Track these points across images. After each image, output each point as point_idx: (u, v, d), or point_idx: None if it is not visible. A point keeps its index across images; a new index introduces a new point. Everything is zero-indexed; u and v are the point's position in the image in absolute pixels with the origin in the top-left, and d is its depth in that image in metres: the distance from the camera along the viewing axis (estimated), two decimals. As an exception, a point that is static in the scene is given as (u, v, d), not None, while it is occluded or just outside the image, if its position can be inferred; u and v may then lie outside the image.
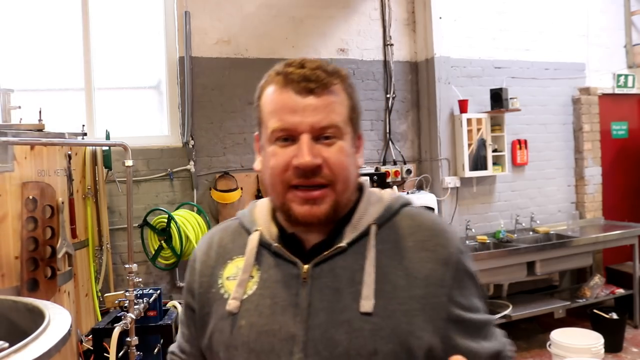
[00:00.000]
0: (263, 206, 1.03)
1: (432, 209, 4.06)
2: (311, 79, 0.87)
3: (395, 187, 4.24)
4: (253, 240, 0.96)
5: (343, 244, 0.89)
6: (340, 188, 0.89)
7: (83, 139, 3.09)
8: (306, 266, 0.89)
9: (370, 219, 0.92)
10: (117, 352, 2.13)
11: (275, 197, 0.91)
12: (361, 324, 0.83)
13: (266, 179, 0.92)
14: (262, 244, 0.95)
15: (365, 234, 0.91)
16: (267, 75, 0.93)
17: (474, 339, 0.89)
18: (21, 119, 2.72)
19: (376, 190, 1.01)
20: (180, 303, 2.81)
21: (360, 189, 1.00)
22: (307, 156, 0.85)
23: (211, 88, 3.97)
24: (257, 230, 0.97)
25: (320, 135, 0.87)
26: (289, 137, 0.87)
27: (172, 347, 1.10)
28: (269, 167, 0.89)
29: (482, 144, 4.44)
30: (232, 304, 0.92)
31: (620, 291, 4.53)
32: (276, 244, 0.93)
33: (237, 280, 0.94)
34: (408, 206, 0.98)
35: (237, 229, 1.03)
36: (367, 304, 0.84)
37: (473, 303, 0.91)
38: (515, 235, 4.48)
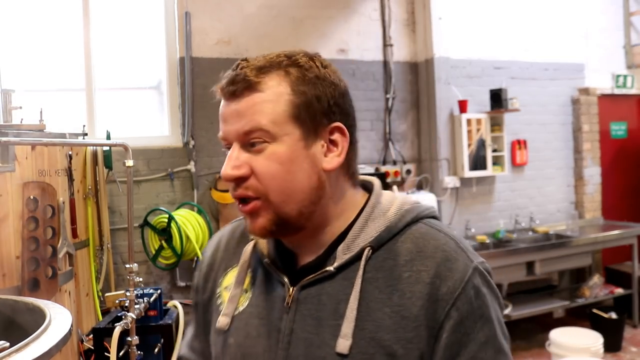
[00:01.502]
0: None
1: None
2: (235, 80, 0.78)
3: (395, 187, 4.25)
4: (246, 252, 0.89)
5: (331, 267, 0.78)
6: (276, 199, 0.77)
7: (84, 139, 3.10)
8: (292, 289, 0.81)
9: (365, 240, 0.78)
10: (118, 351, 2.14)
11: None
12: None
13: None
14: (258, 256, 0.88)
15: (358, 258, 0.78)
16: None
17: None
18: (22, 119, 2.72)
19: (387, 197, 0.85)
20: (181, 303, 2.82)
21: (370, 192, 0.86)
22: (227, 168, 0.77)
23: (211, 88, 3.98)
24: (252, 239, 0.89)
25: (249, 141, 0.77)
26: (229, 145, 0.80)
27: (182, 351, 1.03)
28: None
29: (481, 144, 4.45)
30: (221, 321, 0.86)
31: (619, 291, 4.55)
32: (266, 259, 0.85)
33: (229, 293, 0.88)
34: (420, 222, 0.81)
35: (244, 232, 0.95)
36: (343, 343, 0.74)
37: (474, 353, 0.73)
38: (515, 235, 4.49)
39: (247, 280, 0.88)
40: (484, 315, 0.75)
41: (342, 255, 0.79)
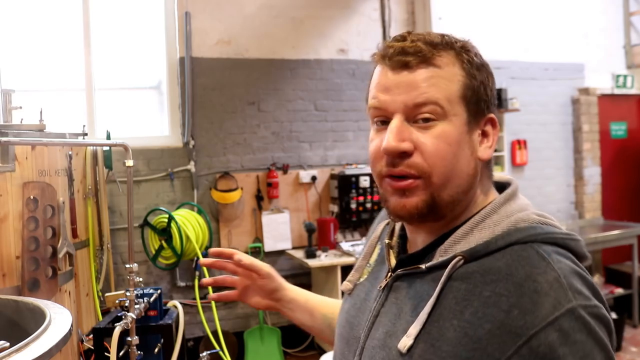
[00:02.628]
0: None
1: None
2: (408, 51, 0.75)
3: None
4: (378, 229, 0.94)
5: (422, 266, 0.77)
6: (438, 182, 0.74)
7: (84, 139, 3.09)
8: (389, 275, 0.83)
9: (462, 248, 0.74)
10: (118, 351, 2.14)
11: (379, 189, 0.82)
12: (395, 357, 0.75)
13: None
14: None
15: (449, 263, 0.74)
16: None
17: None
18: (22, 119, 2.72)
19: (511, 209, 0.77)
20: (181, 303, 2.82)
21: (501, 191, 0.81)
22: (391, 140, 0.74)
23: (211, 88, 3.98)
24: (388, 220, 0.92)
25: (417, 115, 0.74)
26: (384, 119, 0.78)
27: None
28: (369, 154, 0.82)
29: (481, 144, 4.45)
30: (344, 286, 0.93)
31: (619, 291, 4.55)
32: (387, 241, 0.87)
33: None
34: (531, 244, 0.72)
35: None
36: (405, 341, 0.73)
37: None
38: (515, 235, 4.49)
39: (374, 255, 0.92)
40: None
41: (437, 256, 0.76)
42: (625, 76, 5.27)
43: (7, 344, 1.32)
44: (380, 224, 0.94)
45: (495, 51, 4.69)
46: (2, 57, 3.54)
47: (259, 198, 4.07)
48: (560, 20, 4.97)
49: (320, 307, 1.11)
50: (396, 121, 0.75)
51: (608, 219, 5.07)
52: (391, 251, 0.86)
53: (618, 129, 5.32)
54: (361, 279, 0.91)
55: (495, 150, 3.95)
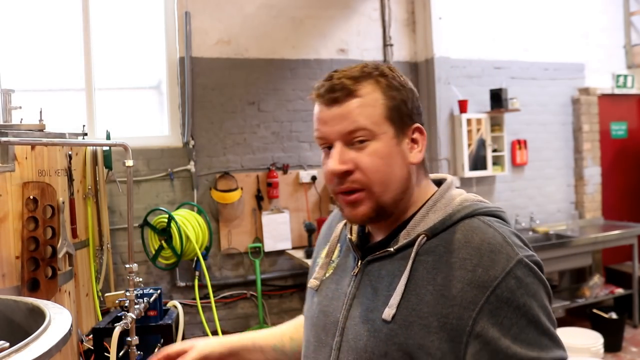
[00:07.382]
0: None
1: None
2: (335, 89, 0.90)
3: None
4: (337, 230, 1.09)
5: (391, 248, 0.92)
6: (379, 190, 0.90)
7: (84, 139, 3.09)
8: (360, 262, 0.97)
9: (423, 228, 0.90)
10: (118, 351, 2.14)
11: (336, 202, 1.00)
12: (380, 327, 0.88)
13: None
14: (346, 234, 1.06)
15: (414, 242, 0.90)
16: None
17: None
18: (22, 119, 2.72)
19: (453, 193, 0.96)
20: (180, 303, 2.82)
21: (439, 185, 0.99)
22: (333, 164, 0.90)
23: (211, 88, 3.98)
24: (345, 221, 1.08)
25: (352, 140, 0.90)
26: (329, 145, 0.93)
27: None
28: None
29: (481, 144, 4.44)
30: (312, 283, 1.07)
31: (620, 291, 4.54)
32: (349, 236, 1.03)
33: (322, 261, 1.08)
34: (476, 217, 0.90)
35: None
36: (388, 312, 0.87)
37: (511, 334, 0.80)
38: (515, 235, 4.48)
39: (336, 252, 1.07)
40: (525, 304, 0.81)
41: (402, 239, 0.92)
42: (625, 76, 5.27)
43: (7, 344, 1.31)
44: (338, 225, 1.10)
45: (495, 51, 4.69)
46: (2, 57, 3.54)
47: (259, 198, 4.07)
48: (560, 20, 4.97)
49: (268, 341, 1.23)
50: (337, 147, 0.91)
51: (608, 219, 5.07)
52: (354, 245, 1.01)
53: (618, 129, 5.32)
54: (327, 275, 1.05)
55: (495, 150, 3.95)
